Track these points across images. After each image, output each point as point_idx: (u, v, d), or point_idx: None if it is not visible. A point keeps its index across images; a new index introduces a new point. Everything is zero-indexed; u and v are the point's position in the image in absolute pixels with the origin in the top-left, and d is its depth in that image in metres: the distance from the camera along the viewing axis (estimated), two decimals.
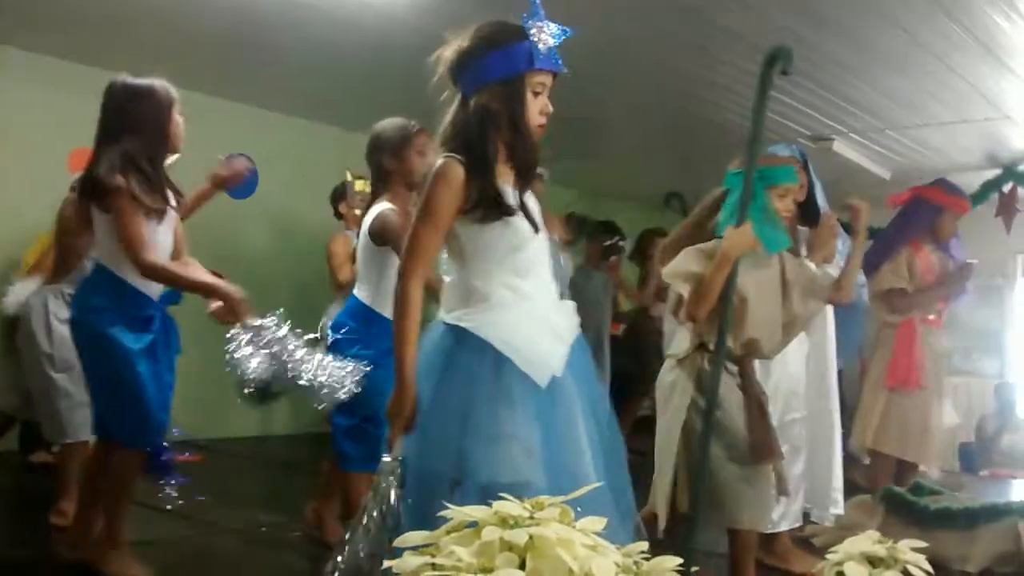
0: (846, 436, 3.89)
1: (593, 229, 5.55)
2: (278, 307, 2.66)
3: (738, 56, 4.29)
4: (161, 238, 2.76)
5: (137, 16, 4.13)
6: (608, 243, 5.45)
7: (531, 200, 1.97)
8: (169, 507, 3.08)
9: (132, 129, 2.72)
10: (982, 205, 6.48)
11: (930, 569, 1.71)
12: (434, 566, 1.02)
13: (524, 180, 1.93)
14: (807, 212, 3.42)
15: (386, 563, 1.10)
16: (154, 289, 2.82)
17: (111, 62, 4.67)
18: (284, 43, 4.35)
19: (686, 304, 2.68)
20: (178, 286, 2.85)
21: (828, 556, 1.82)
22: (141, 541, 3.14)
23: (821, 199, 3.43)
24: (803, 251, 3.38)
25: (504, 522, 1.04)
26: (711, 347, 2.68)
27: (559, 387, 1.86)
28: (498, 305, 1.86)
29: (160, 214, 2.73)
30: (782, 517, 3.27)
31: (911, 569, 1.66)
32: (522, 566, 1.01)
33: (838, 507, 3.41)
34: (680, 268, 2.67)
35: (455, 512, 1.09)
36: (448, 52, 1.92)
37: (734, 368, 2.75)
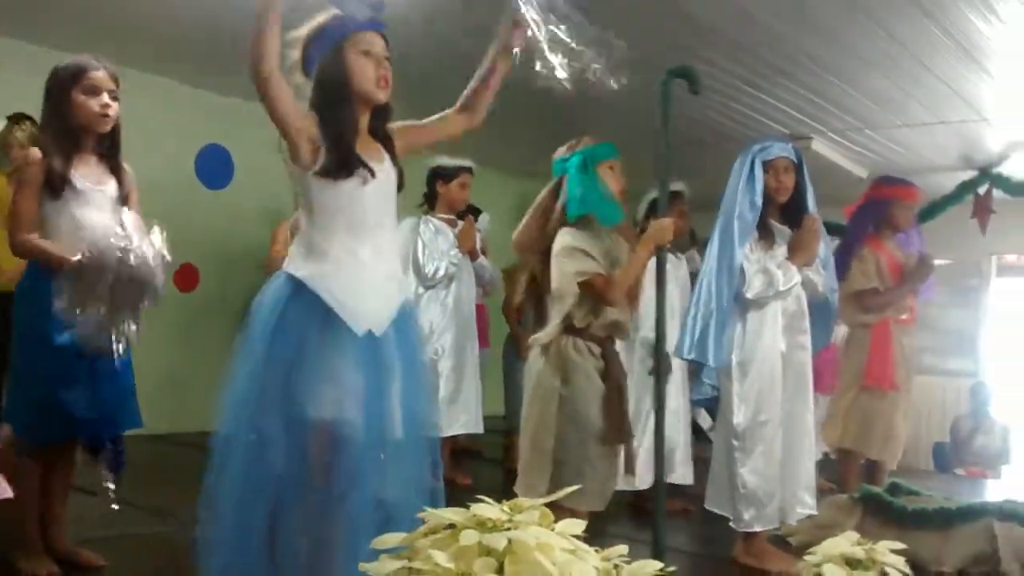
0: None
1: None
2: None
3: (718, 53, 4.29)
4: (92, 217, 2.72)
5: (126, 8, 4.08)
6: None
7: (380, 169, 2.09)
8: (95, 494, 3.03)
9: (44, 107, 2.76)
10: (958, 206, 6.55)
11: (909, 572, 1.70)
12: (411, 570, 0.99)
13: (346, 139, 2.05)
14: (792, 213, 3.41)
15: (361, 566, 1.07)
16: None
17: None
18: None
19: (602, 291, 2.79)
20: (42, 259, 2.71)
21: (806, 557, 1.81)
22: (114, 536, 3.10)
23: (811, 203, 3.42)
24: (785, 251, 3.38)
25: (482, 525, 1.01)
26: (577, 325, 2.83)
27: (380, 345, 2.03)
28: (334, 262, 2.03)
29: (68, 194, 2.69)
30: (755, 518, 3.26)
31: (889, 571, 1.65)
32: (500, 570, 0.98)
33: (809, 508, 3.41)
34: (566, 272, 2.81)
35: (431, 514, 1.06)
36: (293, 57, 2.11)
37: (597, 350, 2.85)
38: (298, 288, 2.01)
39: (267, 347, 1.97)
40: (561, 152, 2.99)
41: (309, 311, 1.99)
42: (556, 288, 2.86)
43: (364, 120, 2.12)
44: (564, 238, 2.87)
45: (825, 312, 3.59)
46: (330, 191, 2.03)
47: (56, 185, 2.68)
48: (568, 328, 2.85)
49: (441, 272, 4.31)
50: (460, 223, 4.47)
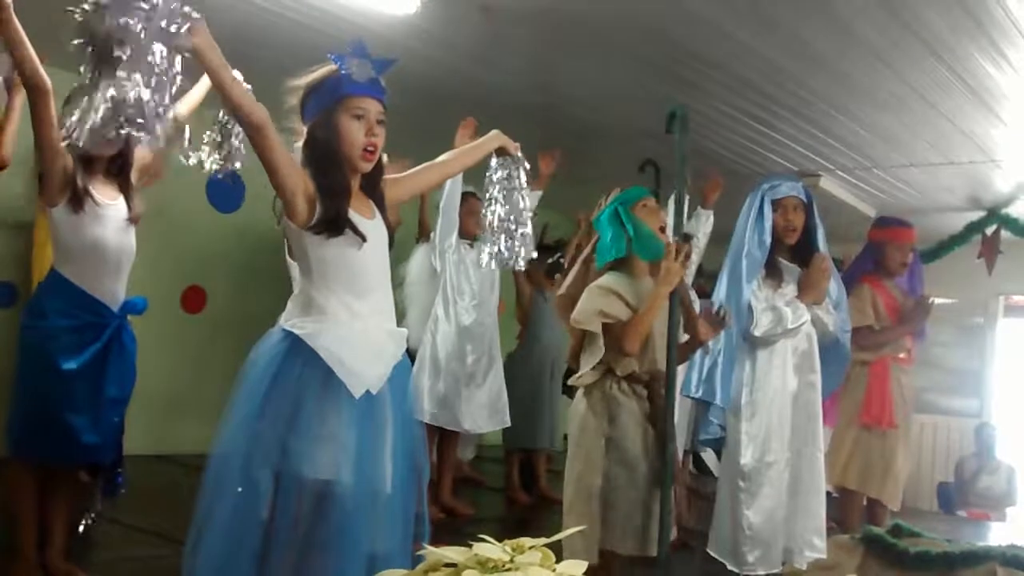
0: None
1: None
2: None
3: (725, 89, 4.32)
4: (106, 236, 2.75)
5: None
6: (550, 261, 5.40)
7: (372, 225, 2.11)
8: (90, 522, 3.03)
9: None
10: (965, 246, 6.55)
11: None
12: None
13: (337, 200, 2.04)
14: (801, 252, 3.41)
15: None
16: (113, 297, 2.80)
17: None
18: (272, 58, 4.35)
19: (619, 338, 2.76)
20: None
21: None
22: (117, 559, 3.09)
23: (821, 242, 3.42)
24: (794, 289, 3.38)
25: (483, 565, 1.02)
26: (618, 372, 2.80)
27: (375, 403, 2.03)
28: (332, 319, 2.02)
29: (87, 209, 2.71)
30: (759, 560, 3.22)
31: None
32: None
33: (818, 551, 3.37)
34: (588, 308, 2.80)
35: (432, 552, 1.07)
36: (291, 103, 2.14)
37: (643, 392, 2.83)
38: (296, 344, 2.00)
39: (262, 401, 1.96)
40: (596, 212, 3.01)
41: (307, 369, 1.98)
42: (574, 318, 2.82)
43: (356, 179, 2.12)
44: (603, 279, 2.86)
45: (837, 354, 3.56)
46: (326, 248, 2.03)
47: (79, 199, 2.70)
48: (609, 371, 2.83)
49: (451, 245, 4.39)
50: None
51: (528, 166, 2.51)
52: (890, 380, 4.16)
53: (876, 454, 4.13)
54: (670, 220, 2.99)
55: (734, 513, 3.25)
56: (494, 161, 2.45)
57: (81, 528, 2.92)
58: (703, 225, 4.44)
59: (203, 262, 5.59)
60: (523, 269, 5.04)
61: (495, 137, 2.45)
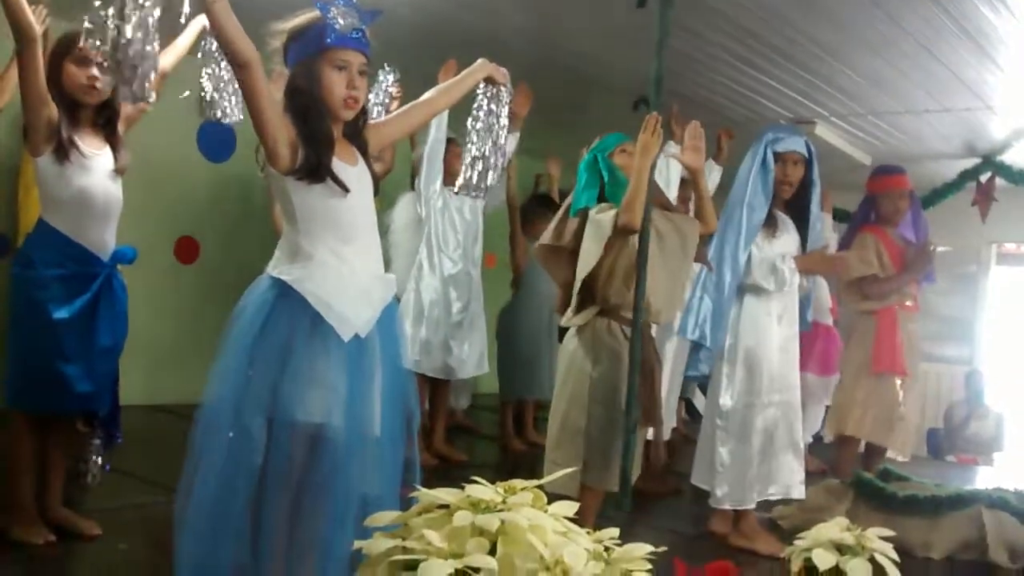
0: None
1: (532, 203, 5.36)
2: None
3: (721, 34, 4.27)
4: (93, 185, 2.74)
5: None
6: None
7: (356, 171, 2.11)
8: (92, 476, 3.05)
9: (45, 76, 2.71)
10: (959, 194, 6.54)
11: (896, 558, 1.73)
12: (404, 549, 1.01)
13: (320, 149, 2.03)
14: (796, 205, 3.45)
15: (356, 543, 1.09)
16: (102, 246, 2.80)
17: None
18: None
19: (622, 225, 2.78)
20: None
21: (796, 541, 1.84)
22: (112, 507, 3.12)
23: (815, 199, 3.46)
24: (787, 240, 3.42)
25: (476, 506, 1.03)
26: (613, 301, 2.84)
27: (363, 346, 2.04)
28: (319, 265, 2.03)
29: (73, 159, 2.69)
30: (726, 496, 3.39)
31: (878, 557, 1.68)
32: (493, 551, 1.00)
33: (799, 495, 3.47)
34: (596, 222, 2.83)
35: (425, 494, 1.08)
36: (274, 45, 2.12)
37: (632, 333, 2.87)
38: (284, 291, 2.01)
39: (252, 347, 1.97)
40: (583, 154, 3.06)
41: (296, 314, 1.99)
42: (585, 249, 2.87)
43: (339, 127, 2.12)
44: (591, 212, 2.91)
45: (803, 303, 3.67)
46: (309, 194, 2.03)
47: (64, 149, 2.68)
48: (604, 311, 2.88)
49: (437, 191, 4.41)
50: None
51: (512, 93, 2.49)
52: (898, 328, 4.18)
53: (887, 402, 4.16)
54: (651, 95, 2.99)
55: (711, 449, 3.40)
56: (481, 88, 2.43)
57: (89, 479, 2.93)
58: (710, 179, 4.42)
59: (195, 212, 5.56)
60: (517, 218, 5.01)
61: (481, 67, 2.41)
